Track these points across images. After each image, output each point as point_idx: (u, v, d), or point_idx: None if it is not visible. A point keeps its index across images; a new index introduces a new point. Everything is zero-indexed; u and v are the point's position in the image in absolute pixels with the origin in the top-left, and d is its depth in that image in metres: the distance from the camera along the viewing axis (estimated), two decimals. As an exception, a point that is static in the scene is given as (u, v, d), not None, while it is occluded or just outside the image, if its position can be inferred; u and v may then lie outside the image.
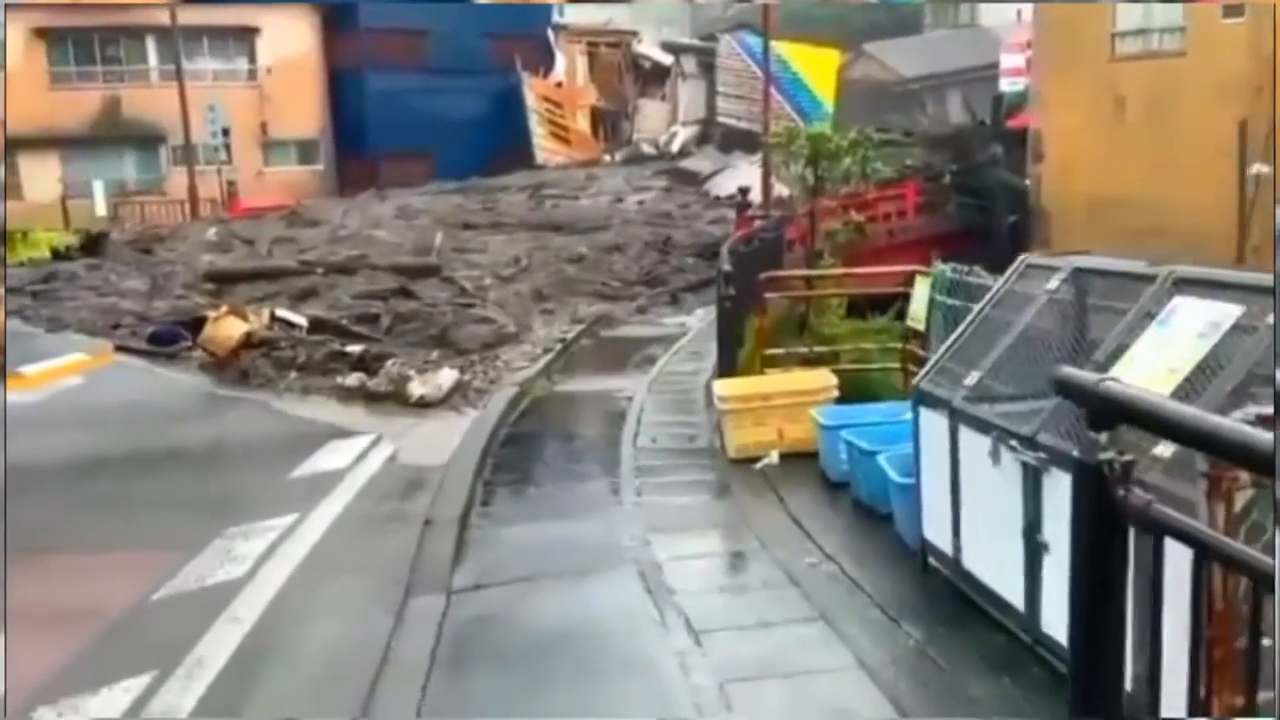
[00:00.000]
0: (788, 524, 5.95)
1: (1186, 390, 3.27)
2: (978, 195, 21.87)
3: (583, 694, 4.06)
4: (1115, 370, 3.82)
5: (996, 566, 4.23)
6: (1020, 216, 21.61)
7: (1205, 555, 2.28)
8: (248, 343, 11.36)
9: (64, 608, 5.27)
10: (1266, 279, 3.47)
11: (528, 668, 4.34)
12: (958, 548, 4.57)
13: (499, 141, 32.75)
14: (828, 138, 15.10)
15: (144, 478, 7.81)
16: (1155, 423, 2.50)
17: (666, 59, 37.88)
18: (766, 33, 23.41)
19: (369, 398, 9.79)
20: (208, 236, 21.16)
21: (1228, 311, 3.38)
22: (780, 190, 20.20)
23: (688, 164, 29.97)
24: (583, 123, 35.77)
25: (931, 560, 4.93)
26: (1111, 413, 2.53)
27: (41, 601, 5.23)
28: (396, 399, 9.61)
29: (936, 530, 4.77)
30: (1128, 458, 2.55)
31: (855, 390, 7.70)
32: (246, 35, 33.54)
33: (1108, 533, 2.55)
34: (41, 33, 31.83)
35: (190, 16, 29.23)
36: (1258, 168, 9.30)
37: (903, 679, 3.98)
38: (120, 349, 12.39)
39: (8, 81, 31.07)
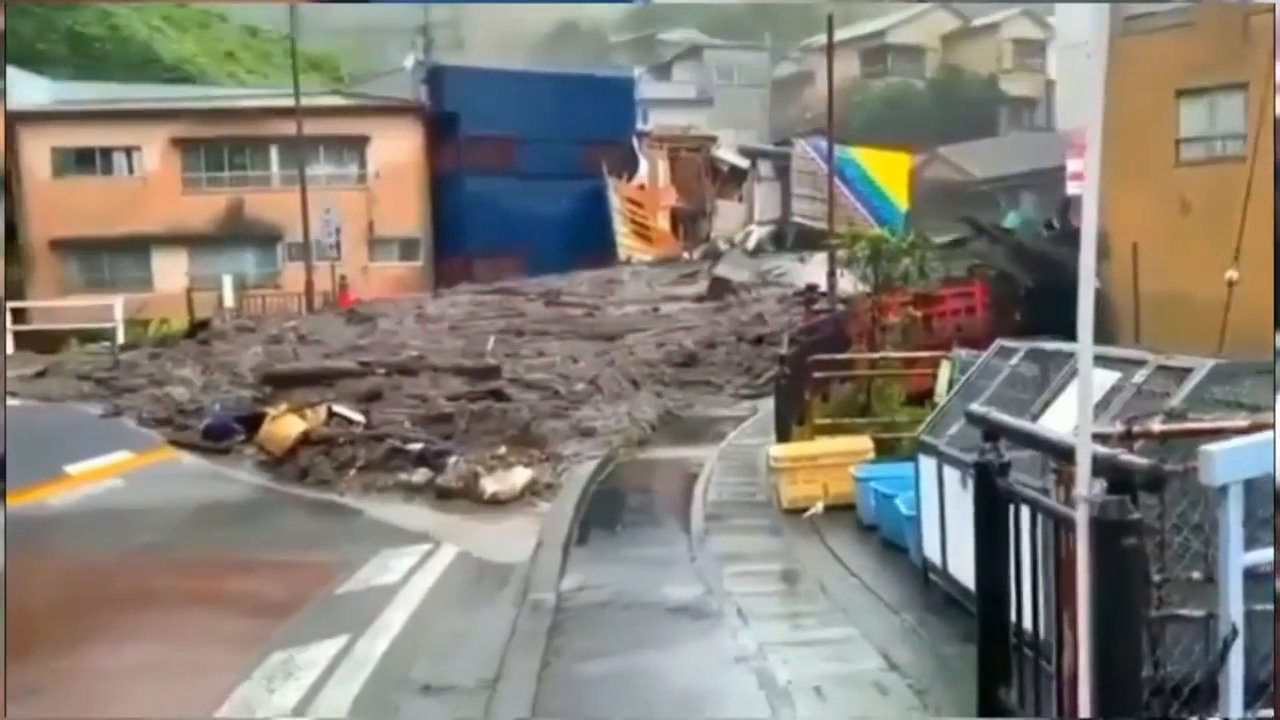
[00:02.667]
0: (826, 554, 7.45)
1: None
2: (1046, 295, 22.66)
3: (657, 648, 5.62)
4: (1044, 417, 5.32)
5: (970, 568, 5.65)
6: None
7: (1037, 511, 3.82)
8: (305, 440, 11.38)
9: (274, 598, 7.03)
10: (1136, 354, 4.97)
11: (617, 636, 5.93)
12: (945, 559, 6.01)
13: (585, 240, 35.09)
14: (886, 239, 16.61)
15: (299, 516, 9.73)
16: (1014, 435, 4.11)
17: (743, 163, 40.20)
18: (831, 137, 25.34)
19: (439, 495, 9.89)
20: (272, 331, 21.74)
21: (1110, 376, 4.88)
22: (851, 285, 21.47)
23: (722, 270, 29.24)
24: (663, 222, 38.08)
25: (931, 576, 6.35)
26: (993, 431, 4.14)
27: (257, 592, 7.01)
28: (468, 496, 9.74)
29: (932, 548, 6.22)
30: (1005, 458, 4.13)
31: (907, 457, 9.09)
32: (358, 143, 36.71)
33: (993, 505, 4.12)
34: (177, 143, 35.43)
35: (311, 128, 32.39)
36: (1230, 274, 10.54)
37: (893, 644, 5.44)
38: (173, 443, 12.51)
39: (147, 186, 34.83)
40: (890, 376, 12.18)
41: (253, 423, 12.26)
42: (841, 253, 19.40)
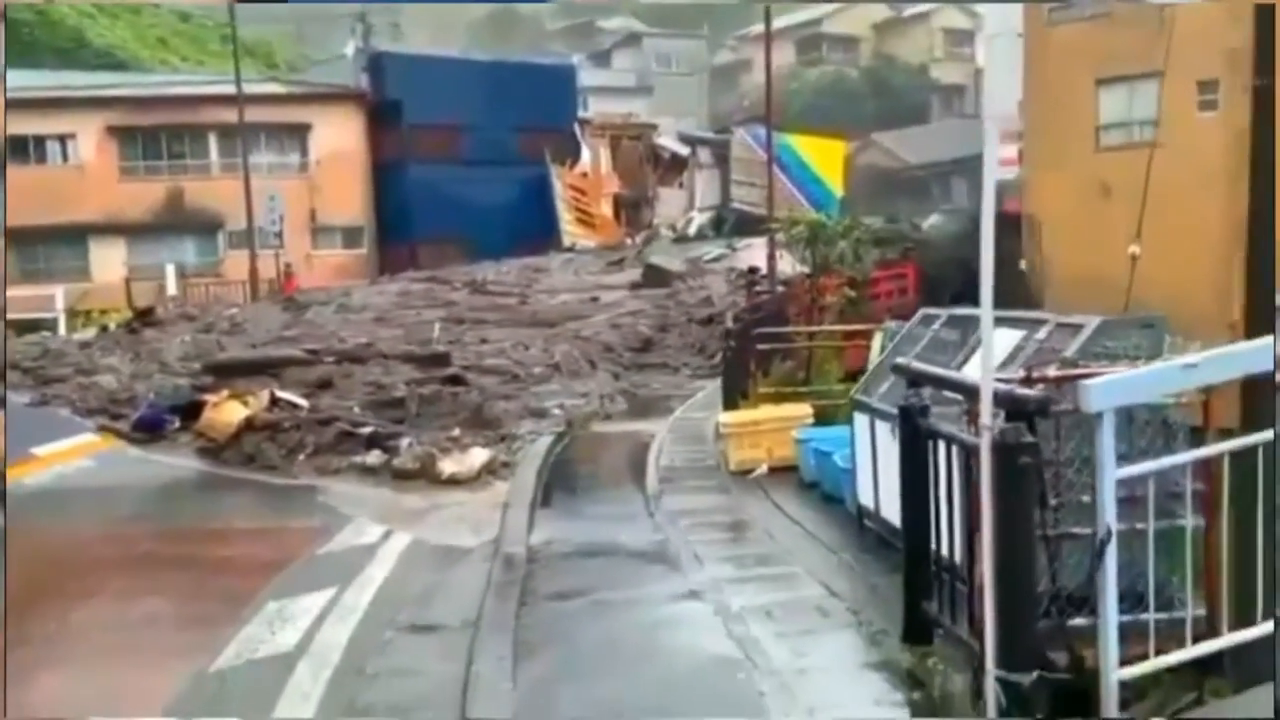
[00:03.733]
0: (771, 507, 8.15)
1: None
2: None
3: (623, 587, 6.26)
4: (963, 370, 6.03)
5: (897, 509, 6.35)
6: (1016, 298, 23.52)
7: (951, 443, 4.49)
8: (249, 426, 11.30)
9: (260, 559, 7.51)
10: (1039, 315, 5.71)
11: (586, 579, 6.55)
12: (878, 504, 6.71)
13: (529, 227, 35.49)
14: (823, 223, 17.36)
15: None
16: (931, 380, 4.79)
17: (683, 150, 40.92)
18: (769, 124, 26.09)
19: (396, 476, 9.96)
20: (208, 319, 21.74)
21: (1015, 335, 5.61)
22: (791, 268, 22.17)
23: (656, 258, 28.80)
24: (606, 209, 38.66)
25: (866, 521, 7.06)
26: (915, 378, 4.82)
27: (248, 554, 7.49)
28: (425, 477, 9.82)
29: (866, 495, 6.92)
30: (926, 402, 4.80)
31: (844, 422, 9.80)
32: (300, 131, 36.61)
33: (915, 443, 4.80)
34: (113, 131, 34.99)
35: (252, 115, 32.26)
36: (1133, 249, 11.42)
37: (832, 577, 6.14)
38: (104, 431, 12.41)
39: (84, 175, 34.38)
40: (828, 350, 12.94)
41: (189, 412, 12.13)
42: (781, 236, 20.12)
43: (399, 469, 10.10)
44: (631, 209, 39.75)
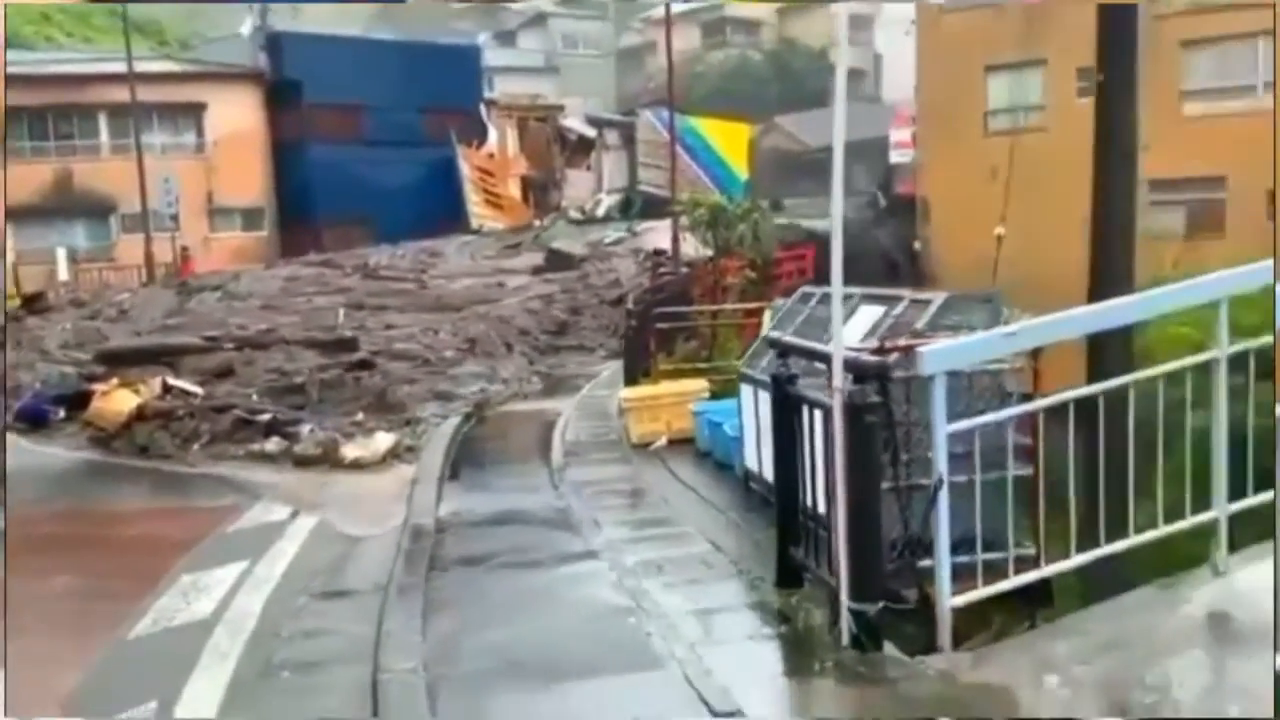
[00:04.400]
0: (668, 475, 8.69)
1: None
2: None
3: (527, 546, 6.71)
4: (829, 343, 6.61)
5: (779, 472, 6.92)
6: (910, 276, 24.65)
7: (813, 407, 5.02)
8: (140, 415, 11.14)
9: (171, 538, 7.72)
10: (895, 292, 6.32)
11: (491, 545, 6.97)
12: (760, 467, 7.26)
13: (435, 208, 35.36)
14: (723, 206, 17.95)
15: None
16: (795, 350, 5.32)
17: (591, 132, 41.18)
18: (672, 107, 26.63)
19: (297, 463, 9.92)
20: (98, 305, 21.29)
21: (877, 311, 6.21)
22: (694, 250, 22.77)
23: (559, 244, 28.95)
24: (514, 191, 38.73)
25: (751, 484, 7.62)
26: (784, 349, 5.34)
27: (155, 533, 7.69)
28: (328, 462, 9.82)
29: (751, 460, 7.48)
30: (794, 371, 5.33)
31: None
32: (195, 111, 35.74)
33: (786, 407, 5.32)
34: (-4, 111, 33.63)
35: (144, 94, 31.45)
36: (998, 230, 12.29)
37: (719, 535, 6.68)
38: None
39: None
40: (729, 328, 13.53)
41: (76, 401, 11.94)
42: (684, 219, 20.68)
43: (300, 455, 10.10)
44: (539, 191, 39.91)
